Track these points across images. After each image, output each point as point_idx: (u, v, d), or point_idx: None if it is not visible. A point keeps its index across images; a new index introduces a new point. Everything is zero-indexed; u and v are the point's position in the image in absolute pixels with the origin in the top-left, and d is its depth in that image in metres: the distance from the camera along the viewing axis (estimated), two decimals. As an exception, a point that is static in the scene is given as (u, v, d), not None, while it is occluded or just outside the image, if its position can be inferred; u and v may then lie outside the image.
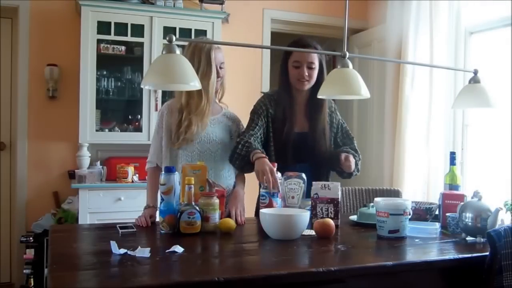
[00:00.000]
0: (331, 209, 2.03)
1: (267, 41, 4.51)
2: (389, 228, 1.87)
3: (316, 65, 2.30)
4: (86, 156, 3.78)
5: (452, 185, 2.28)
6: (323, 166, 2.38)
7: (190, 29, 3.90)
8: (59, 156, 3.92)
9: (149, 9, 3.79)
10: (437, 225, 1.98)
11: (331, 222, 1.89)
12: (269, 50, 4.56)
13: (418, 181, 3.87)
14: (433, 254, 1.73)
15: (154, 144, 2.33)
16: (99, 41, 3.70)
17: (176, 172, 1.95)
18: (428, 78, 3.84)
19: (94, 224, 2.37)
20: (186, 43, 4.05)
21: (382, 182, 4.13)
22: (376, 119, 4.50)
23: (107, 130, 3.81)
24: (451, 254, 1.69)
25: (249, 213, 2.37)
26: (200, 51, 2.21)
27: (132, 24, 3.76)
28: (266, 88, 4.47)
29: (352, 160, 2.25)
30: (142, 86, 1.89)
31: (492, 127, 3.57)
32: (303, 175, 2.10)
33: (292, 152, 2.32)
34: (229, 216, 2.12)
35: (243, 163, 2.20)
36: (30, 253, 3.48)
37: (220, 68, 2.28)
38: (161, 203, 1.92)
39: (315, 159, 2.35)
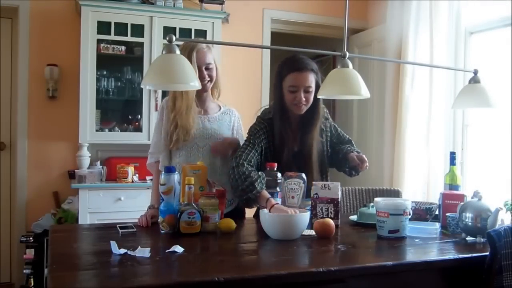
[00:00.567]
0: (331, 209, 2.03)
1: (267, 41, 4.50)
2: (389, 228, 1.87)
3: (313, 88, 2.16)
4: (86, 156, 3.78)
5: (452, 185, 2.28)
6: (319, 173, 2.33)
7: (190, 29, 3.90)
8: (59, 156, 3.92)
9: (149, 9, 3.79)
10: (437, 225, 1.98)
11: (331, 222, 1.89)
12: (269, 50, 4.56)
13: (418, 181, 3.87)
14: (433, 254, 1.73)
15: (156, 136, 2.35)
16: (99, 41, 3.70)
17: (176, 172, 1.95)
18: (428, 78, 3.84)
19: (94, 224, 2.38)
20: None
21: (382, 182, 4.13)
22: (376, 119, 4.49)
23: (107, 130, 3.81)
24: (451, 254, 1.69)
25: (249, 213, 2.39)
26: (184, 50, 2.19)
27: (132, 24, 3.76)
28: (266, 87, 4.47)
29: (365, 157, 2.22)
30: (142, 86, 1.89)
31: (492, 127, 3.57)
32: (303, 175, 2.10)
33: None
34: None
35: (247, 200, 2.06)
36: (30, 253, 3.47)
37: (207, 69, 2.27)
38: (161, 203, 1.92)
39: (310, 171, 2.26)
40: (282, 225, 1.82)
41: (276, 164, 2.09)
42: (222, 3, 4.03)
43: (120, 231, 1.87)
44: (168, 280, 1.37)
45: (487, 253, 1.64)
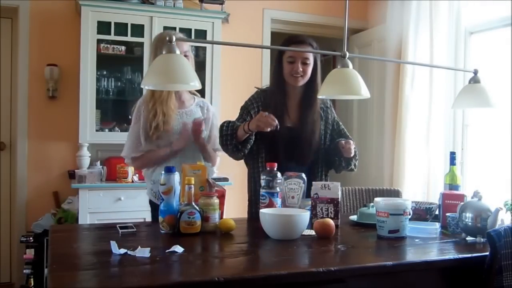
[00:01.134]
0: (331, 209, 2.03)
1: (267, 41, 4.51)
2: (389, 228, 1.87)
3: (311, 61, 2.29)
4: (86, 156, 3.78)
5: (452, 185, 2.28)
6: (316, 164, 2.36)
7: (190, 29, 3.90)
8: (59, 156, 3.92)
9: (149, 9, 3.79)
10: (437, 225, 1.98)
11: (331, 222, 1.89)
12: (269, 50, 4.56)
13: (418, 181, 3.87)
14: (433, 254, 1.73)
15: (130, 138, 2.43)
16: (99, 41, 3.70)
17: (176, 172, 1.95)
18: (428, 78, 3.84)
19: (94, 224, 2.38)
20: (186, 43, 4.05)
21: (382, 182, 4.13)
22: (376, 119, 4.50)
23: (107, 130, 3.81)
24: (451, 254, 1.69)
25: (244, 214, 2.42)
26: (162, 42, 2.24)
27: (132, 24, 3.76)
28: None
29: (352, 144, 2.25)
30: (142, 86, 1.89)
31: (492, 127, 3.57)
32: (303, 175, 2.10)
33: (283, 147, 2.29)
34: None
35: (232, 145, 2.24)
36: (30, 253, 3.48)
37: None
38: (161, 203, 1.92)
39: (306, 155, 2.32)
40: (282, 225, 1.82)
41: (276, 164, 2.08)
42: (222, 3, 4.03)
43: (120, 231, 1.87)
44: (168, 280, 1.37)
45: (487, 253, 1.64)
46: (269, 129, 2.12)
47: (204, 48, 3.98)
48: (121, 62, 3.88)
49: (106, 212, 3.53)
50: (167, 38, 1.72)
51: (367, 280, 1.59)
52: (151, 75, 1.75)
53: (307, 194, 2.10)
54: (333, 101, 2.49)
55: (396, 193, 2.82)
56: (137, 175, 3.71)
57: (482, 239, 1.81)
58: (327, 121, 2.42)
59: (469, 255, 1.68)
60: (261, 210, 1.92)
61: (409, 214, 1.91)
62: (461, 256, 1.67)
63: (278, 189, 2.05)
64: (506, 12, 3.30)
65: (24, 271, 3.47)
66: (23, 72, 3.83)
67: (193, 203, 1.88)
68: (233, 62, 4.21)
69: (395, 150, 4.04)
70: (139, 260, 1.49)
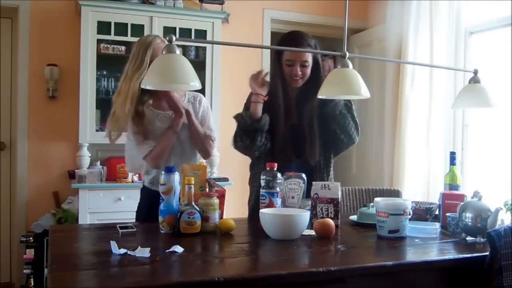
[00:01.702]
0: (331, 209, 2.03)
1: (267, 41, 4.51)
2: (389, 228, 1.87)
3: (310, 62, 2.26)
4: (86, 156, 3.78)
5: (452, 185, 2.28)
6: (320, 164, 2.36)
7: (190, 29, 3.90)
8: (59, 156, 3.92)
9: (149, 9, 3.79)
10: (437, 225, 1.98)
11: (331, 222, 1.89)
12: (269, 50, 4.55)
13: (418, 181, 3.87)
14: (433, 254, 1.73)
15: (129, 152, 2.43)
16: (99, 41, 3.70)
17: (176, 172, 1.95)
18: (428, 78, 3.84)
19: (94, 224, 2.37)
20: (186, 43, 4.06)
21: (382, 182, 4.13)
22: (376, 119, 4.50)
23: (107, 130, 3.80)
24: (451, 254, 1.69)
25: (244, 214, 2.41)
26: (141, 45, 2.29)
27: (132, 24, 3.76)
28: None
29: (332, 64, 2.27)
30: (142, 86, 1.89)
31: (492, 127, 3.57)
32: (303, 175, 2.10)
33: (291, 145, 2.29)
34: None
35: (246, 137, 2.23)
36: (30, 253, 3.48)
37: None
38: (161, 203, 1.92)
39: (313, 151, 2.30)
40: (282, 225, 1.82)
41: (276, 164, 2.08)
42: (222, 3, 4.03)
43: (120, 231, 1.87)
44: (168, 280, 1.37)
45: (487, 253, 1.64)
46: (259, 91, 2.20)
47: (204, 48, 3.98)
48: (121, 62, 3.84)
49: (106, 212, 3.52)
50: (167, 38, 1.72)
51: (367, 280, 1.59)
52: (151, 75, 1.75)
53: (307, 194, 2.10)
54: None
55: (396, 193, 2.82)
56: (137, 175, 3.70)
57: (482, 239, 1.81)
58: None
59: (469, 255, 1.68)
60: (261, 210, 1.92)
61: (409, 214, 1.91)
62: (461, 256, 1.67)
63: (278, 189, 2.05)
64: (506, 12, 3.30)
65: (24, 271, 3.48)
66: (23, 72, 3.83)
67: (193, 203, 1.88)
68: (233, 62, 4.21)
69: (395, 150, 4.04)
70: (139, 260, 1.49)
